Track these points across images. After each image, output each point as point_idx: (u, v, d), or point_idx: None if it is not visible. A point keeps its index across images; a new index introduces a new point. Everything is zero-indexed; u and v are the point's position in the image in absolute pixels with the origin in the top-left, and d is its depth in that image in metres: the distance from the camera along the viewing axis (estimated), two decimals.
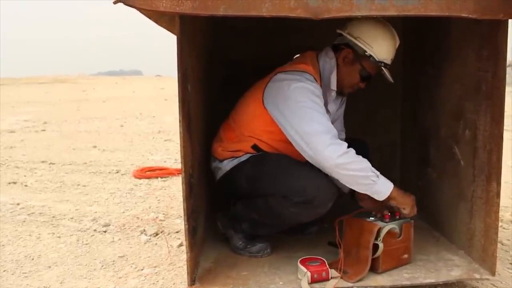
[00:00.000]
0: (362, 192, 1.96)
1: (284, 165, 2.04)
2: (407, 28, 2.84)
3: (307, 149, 1.94)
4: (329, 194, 1.98)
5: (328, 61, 2.17)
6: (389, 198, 1.96)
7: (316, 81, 2.08)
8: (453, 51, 2.25)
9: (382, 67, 2.09)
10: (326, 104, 2.15)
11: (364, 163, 1.93)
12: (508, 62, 2.00)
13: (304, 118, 1.96)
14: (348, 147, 1.91)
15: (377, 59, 2.07)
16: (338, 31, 2.16)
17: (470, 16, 1.59)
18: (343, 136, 2.47)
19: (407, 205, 2.01)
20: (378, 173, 1.95)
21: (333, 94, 2.21)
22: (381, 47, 2.07)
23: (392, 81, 2.13)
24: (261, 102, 2.11)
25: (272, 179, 2.04)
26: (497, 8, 1.60)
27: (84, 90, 15.25)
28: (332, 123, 2.32)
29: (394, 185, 1.97)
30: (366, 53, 2.06)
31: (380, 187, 1.94)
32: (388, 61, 2.11)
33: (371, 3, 1.55)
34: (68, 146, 5.85)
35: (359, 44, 2.07)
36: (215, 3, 1.51)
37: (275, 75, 2.13)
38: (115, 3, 1.46)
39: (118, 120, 8.39)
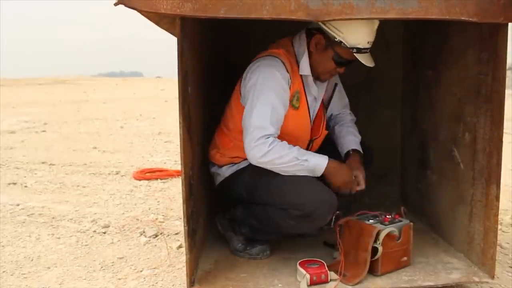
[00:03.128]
0: (299, 174, 1.97)
1: (283, 176, 1.99)
2: (407, 31, 2.85)
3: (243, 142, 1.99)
4: (328, 207, 1.96)
5: (301, 45, 2.11)
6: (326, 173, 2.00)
7: (284, 64, 2.03)
8: (453, 54, 2.25)
9: (355, 53, 1.98)
10: (305, 88, 2.13)
11: (290, 155, 1.94)
12: (508, 65, 2.01)
13: (248, 111, 2.00)
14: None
15: (348, 45, 1.96)
16: None
17: (470, 19, 1.59)
18: (347, 112, 2.47)
19: (338, 183, 2.03)
20: (307, 156, 1.97)
21: (310, 78, 2.13)
22: (352, 32, 1.94)
23: (371, 65, 2.02)
24: (240, 100, 2.12)
25: (271, 190, 2.02)
26: (497, 12, 1.60)
27: (85, 91, 15.24)
28: (323, 107, 2.32)
29: (329, 162, 1.99)
30: (336, 40, 1.97)
31: (311, 167, 1.96)
32: (364, 45, 1.97)
33: (371, 6, 1.55)
34: (68, 147, 5.84)
35: (328, 30, 1.97)
36: (215, 6, 1.52)
37: (247, 68, 2.14)
38: (116, 4, 1.47)
39: (118, 121, 8.38)
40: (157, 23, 1.75)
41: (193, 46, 1.98)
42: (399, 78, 2.97)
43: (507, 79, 1.88)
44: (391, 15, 1.57)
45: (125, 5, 1.48)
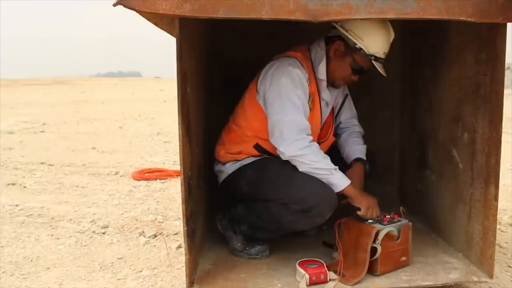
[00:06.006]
0: (320, 179, 2.00)
1: (286, 172, 2.03)
2: (406, 31, 2.85)
3: (273, 138, 2.04)
4: (328, 205, 1.97)
5: (319, 51, 2.18)
6: (346, 195, 2.03)
7: (303, 65, 2.10)
8: (452, 54, 2.26)
9: (373, 61, 2.06)
10: (319, 92, 2.18)
11: (324, 159, 2.01)
12: (506, 65, 2.01)
13: (279, 107, 2.03)
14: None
15: (367, 52, 2.04)
16: (333, 23, 2.12)
17: (468, 19, 1.59)
18: (355, 123, 2.50)
19: (362, 205, 2.06)
20: (336, 168, 2.02)
21: (324, 83, 2.20)
22: (372, 41, 2.04)
23: (385, 74, 2.10)
24: (255, 98, 2.15)
25: (273, 185, 2.04)
26: (495, 12, 1.60)
27: (83, 91, 15.25)
28: (333, 111, 2.38)
29: (352, 185, 2.03)
30: (356, 46, 2.04)
31: (334, 180, 2.00)
32: (380, 55, 2.07)
33: (370, 6, 1.55)
34: (67, 147, 5.85)
35: (350, 37, 2.05)
36: (214, 6, 1.51)
37: (264, 68, 2.17)
38: (115, 5, 1.47)
39: (117, 121, 8.39)
40: (156, 23, 1.75)
41: (192, 46, 1.98)
42: (398, 78, 2.97)
43: (505, 79, 1.88)
44: (390, 15, 1.58)
45: (124, 6, 1.47)
